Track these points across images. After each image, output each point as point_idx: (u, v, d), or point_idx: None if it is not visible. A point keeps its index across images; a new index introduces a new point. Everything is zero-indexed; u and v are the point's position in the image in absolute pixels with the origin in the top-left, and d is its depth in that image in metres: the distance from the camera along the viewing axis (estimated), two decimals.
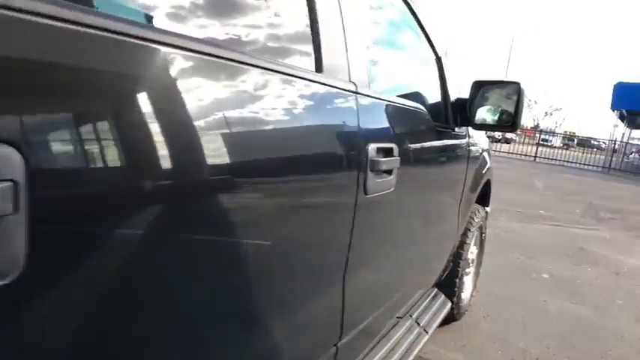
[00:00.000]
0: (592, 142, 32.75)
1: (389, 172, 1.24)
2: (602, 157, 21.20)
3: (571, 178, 13.98)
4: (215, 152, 0.68)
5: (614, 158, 19.63)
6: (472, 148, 2.33)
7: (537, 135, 24.78)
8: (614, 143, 20.54)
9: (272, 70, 0.83)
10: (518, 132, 28.72)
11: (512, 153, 19.81)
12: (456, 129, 2.01)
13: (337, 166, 1.03)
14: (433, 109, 1.88)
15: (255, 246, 0.82)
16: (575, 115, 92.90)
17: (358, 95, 1.10)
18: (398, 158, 1.27)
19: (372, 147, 1.13)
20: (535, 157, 19.15)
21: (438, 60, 1.94)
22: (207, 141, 0.66)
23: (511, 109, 1.88)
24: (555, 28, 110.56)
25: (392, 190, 1.28)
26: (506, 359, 2.53)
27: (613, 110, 19.94)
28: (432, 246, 2.04)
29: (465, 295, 2.90)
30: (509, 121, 1.90)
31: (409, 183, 1.48)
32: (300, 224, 0.96)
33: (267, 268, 0.88)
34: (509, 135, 28.48)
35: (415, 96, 1.68)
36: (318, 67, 1.00)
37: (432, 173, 1.75)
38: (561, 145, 31.45)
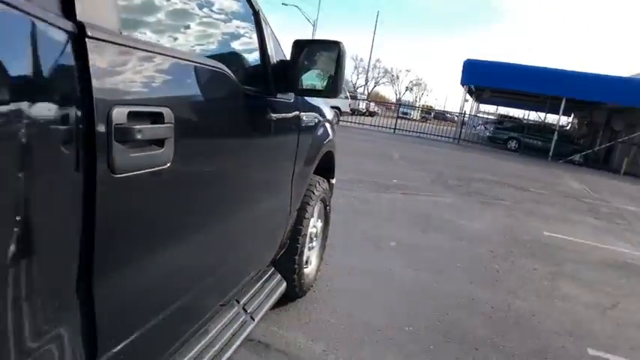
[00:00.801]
0: (446, 115, 35.80)
1: (158, 143, 0.99)
2: (454, 129, 23.16)
3: (425, 149, 15.02)
4: None
5: (463, 130, 21.54)
6: (304, 117, 2.16)
7: (398, 108, 26.25)
8: (464, 116, 22.51)
9: None
10: (396, 107, 30.12)
11: (374, 125, 20.71)
12: (280, 95, 1.80)
13: (47, 143, 0.74)
14: (245, 71, 1.65)
15: None
16: (433, 89, 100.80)
17: (90, 40, 0.80)
18: (172, 126, 1.01)
19: (120, 111, 0.86)
20: (395, 129, 20.26)
21: (256, 15, 1.69)
22: None
23: (333, 72, 1.71)
24: (418, 8, 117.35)
25: (168, 165, 1.03)
26: (348, 333, 2.48)
27: (463, 85, 21.71)
28: (255, 224, 1.84)
29: (310, 270, 2.80)
30: (330, 86, 1.73)
31: (201, 157, 1.23)
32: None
33: None
34: (373, 108, 29.87)
35: (214, 54, 1.42)
36: None
37: (241, 145, 1.52)
38: (420, 118, 33.73)
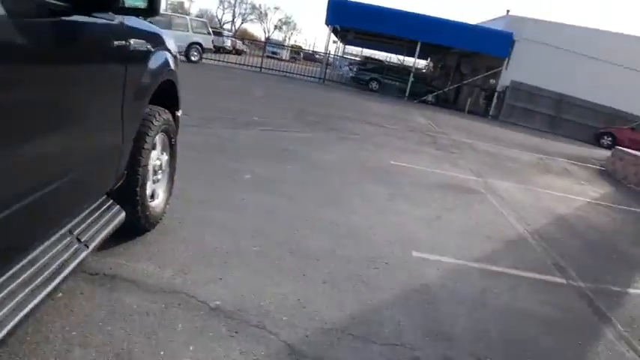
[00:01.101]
0: (316, 56, 36.23)
1: None
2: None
3: (290, 88, 15.20)
4: None
5: (329, 71, 22.09)
6: (134, 42, 2.09)
7: (264, 47, 25.94)
8: (329, 57, 23.04)
9: None
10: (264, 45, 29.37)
11: (241, 64, 20.16)
12: (99, 15, 1.72)
13: None
14: None
15: None
16: (303, 29, 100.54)
17: None
18: None
19: None
20: (261, 68, 20.03)
21: None
22: None
23: None
24: None
25: None
26: (197, 258, 2.57)
27: (327, 25, 21.99)
28: (78, 152, 1.76)
29: (156, 203, 2.80)
30: (148, 5, 1.70)
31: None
32: None
33: None
34: (240, 46, 29.08)
35: None
36: None
37: (49, 65, 1.43)
38: (289, 58, 33.68)
